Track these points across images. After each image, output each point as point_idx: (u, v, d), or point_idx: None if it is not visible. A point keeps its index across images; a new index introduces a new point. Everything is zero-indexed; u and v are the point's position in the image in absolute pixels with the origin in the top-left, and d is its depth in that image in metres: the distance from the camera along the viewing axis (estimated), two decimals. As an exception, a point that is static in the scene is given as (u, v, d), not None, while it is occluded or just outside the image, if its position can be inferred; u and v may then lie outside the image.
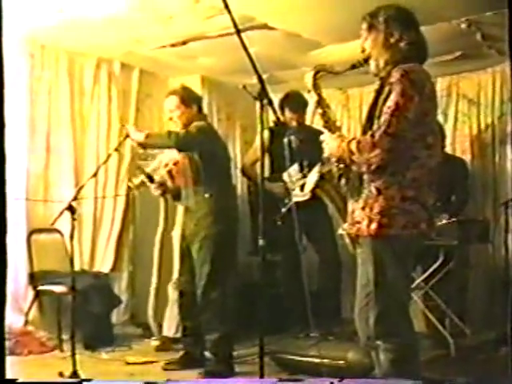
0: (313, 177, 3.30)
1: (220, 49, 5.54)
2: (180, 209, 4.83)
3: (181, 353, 4.70)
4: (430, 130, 2.95)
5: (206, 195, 4.45)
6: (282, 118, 5.08)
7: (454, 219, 4.88)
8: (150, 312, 4.60)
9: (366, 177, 2.96)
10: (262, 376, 3.09)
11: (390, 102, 2.84)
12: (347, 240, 3.09)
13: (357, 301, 3.06)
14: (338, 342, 4.51)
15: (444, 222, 4.83)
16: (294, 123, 5.36)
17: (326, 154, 3.10)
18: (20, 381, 3.15)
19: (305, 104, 5.43)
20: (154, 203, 4.65)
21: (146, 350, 5.16)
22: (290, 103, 5.41)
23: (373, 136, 2.84)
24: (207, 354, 4.49)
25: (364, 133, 2.96)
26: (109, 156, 4.67)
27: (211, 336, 4.40)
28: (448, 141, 6.01)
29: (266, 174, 5.03)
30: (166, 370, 4.54)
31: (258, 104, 3.13)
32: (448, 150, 5.89)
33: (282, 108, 5.36)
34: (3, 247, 2.88)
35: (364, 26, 3.08)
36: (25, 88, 5.57)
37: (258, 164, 5.18)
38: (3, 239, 2.88)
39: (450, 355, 4.77)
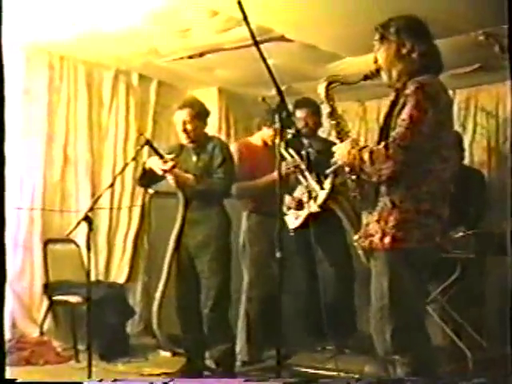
0: (325, 188, 3.30)
1: (237, 61, 5.59)
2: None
3: (182, 363, 4.76)
4: (445, 143, 2.96)
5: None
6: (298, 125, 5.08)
7: (470, 232, 4.87)
8: (155, 321, 4.62)
9: (381, 189, 2.97)
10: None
11: (405, 115, 2.86)
12: (360, 252, 3.10)
13: (371, 314, 3.07)
14: (354, 356, 4.50)
15: (460, 234, 4.82)
16: (302, 123, 5.34)
17: (337, 161, 3.10)
18: (20, 381, 3.16)
19: (315, 106, 5.39)
20: (170, 214, 4.67)
21: (162, 361, 5.18)
22: (300, 106, 5.42)
23: (387, 148, 2.84)
24: (211, 365, 4.65)
25: (379, 143, 2.96)
26: (126, 165, 4.74)
27: (219, 347, 4.53)
28: (466, 153, 6.00)
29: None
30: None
31: (276, 116, 3.14)
32: (466, 162, 5.88)
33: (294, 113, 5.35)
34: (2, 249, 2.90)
35: (376, 36, 3.10)
36: (43, 99, 5.63)
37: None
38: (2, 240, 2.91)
39: (467, 368, 4.75)
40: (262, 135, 5.22)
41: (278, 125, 3.16)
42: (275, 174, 4.74)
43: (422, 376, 2.95)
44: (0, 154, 2.91)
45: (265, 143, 5.21)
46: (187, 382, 4.27)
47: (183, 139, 4.66)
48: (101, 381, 3.77)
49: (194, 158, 4.66)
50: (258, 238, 5.08)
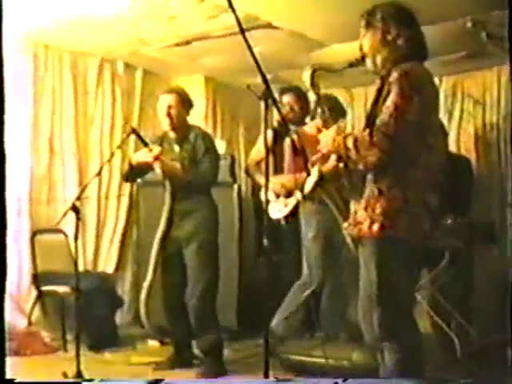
0: (312, 177, 3.28)
1: (224, 48, 5.58)
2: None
3: (169, 354, 4.78)
4: (430, 130, 2.96)
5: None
6: (283, 112, 5.05)
7: (459, 220, 4.89)
8: (143, 310, 4.62)
9: (368, 177, 2.98)
10: (266, 376, 3.11)
11: (389, 103, 2.85)
12: (349, 240, 3.11)
13: (360, 302, 3.08)
14: (343, 343, 4.53)
15: (449, 222, 4.84)
16: (287, 109, 5.32)
17: (322, 149, 3.11)
18: (19, 380, 3.18)
19: (301, 93, 5.37)
20: (158, 204, 4.67)
21: (150, 351, 5.21)
22: (285, 93, 5.40)
23: (371, 135, 2.84)
24: (199, 354, 4.68)
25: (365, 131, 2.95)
26: (112, 154, 4.75)
27: (207, 337, 4.55)
28: (453, 140, 6.02)
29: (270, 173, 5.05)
30: (155, 370, 4.61)
31: (262, 104, 3.15)
32: (452, 149, 5.90)
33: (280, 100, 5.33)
34: (3, 247, 2.90)
35: (362, 23, 3.10)
36: (28, 88, 5.61)
37: (263, 164, 5.23)
38: (3, 239, 2.91)
39: (455, 356, 4.78)
40: (317, 124, 5.15)
41: (262, 112, 3.16)
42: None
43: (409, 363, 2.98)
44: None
45: (319, 131, 5.13)
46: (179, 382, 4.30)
47: (165, 125, 4.63)
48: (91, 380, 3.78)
49: (177, 149, 4.64)
50: (311, 227, 5.04)
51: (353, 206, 3.09)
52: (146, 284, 4.57)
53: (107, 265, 6.15)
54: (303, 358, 4.31)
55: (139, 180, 5.61)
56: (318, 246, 4.93)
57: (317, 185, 3.20)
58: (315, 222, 4.97)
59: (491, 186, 6.08)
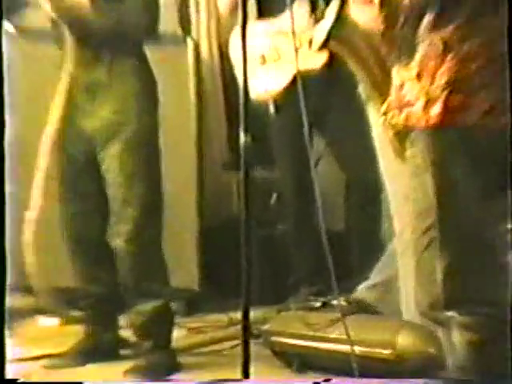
0: (327, 21, 3.19)
1: None
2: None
3: (76, 339, 4.90)
4: None
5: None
6: None
7: None
8: (30, 262, 4.63)
9: (425, 20, 2.99)
10: (246, 376, 3.21)
11: None
12: (390, 134, 3.12)
13: (411, 243, 3.17)
14: (378, 316, 4.60)
15: None
16: None
17: None
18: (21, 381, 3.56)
19: None
20: (49, 71, 4.67)
21: (43, 336, 5.35)
22: None
23: None
24: (130, 337, 4.80)
25: None
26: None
27: (144, 306, 4.59)
28: None
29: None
30: (46, 368, 4.72)
31: None
32: None
33: None
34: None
35: None
36: None
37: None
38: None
39: None
40: None
41: None
42: None
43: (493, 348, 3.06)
44: None
45: None
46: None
47: None
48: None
49: None
50: None
51: (396, 74, 3.10)
52: (31, 215, 4.58)
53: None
54: (310, 344, 4.44)
55: (9, 26, 5.61)
56: None
57: (330, 35, 3.15)
58: None
59: None
